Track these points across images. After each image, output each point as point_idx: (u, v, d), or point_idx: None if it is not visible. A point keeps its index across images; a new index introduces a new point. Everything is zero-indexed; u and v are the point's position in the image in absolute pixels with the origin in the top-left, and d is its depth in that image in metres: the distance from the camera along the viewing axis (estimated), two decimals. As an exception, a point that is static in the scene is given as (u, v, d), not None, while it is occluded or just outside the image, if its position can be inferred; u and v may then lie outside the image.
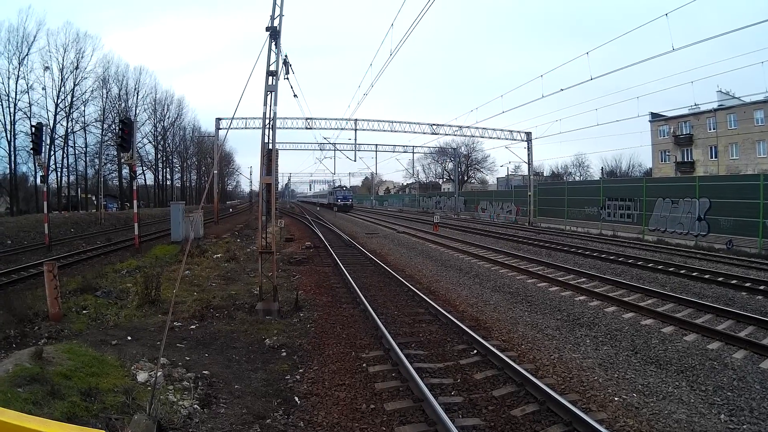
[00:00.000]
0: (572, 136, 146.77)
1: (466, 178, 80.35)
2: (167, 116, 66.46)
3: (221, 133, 40.12)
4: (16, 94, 42.41)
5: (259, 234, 9.98)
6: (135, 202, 21.11)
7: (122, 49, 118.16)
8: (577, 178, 69.82)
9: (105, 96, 52.34)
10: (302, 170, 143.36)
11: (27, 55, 42.63)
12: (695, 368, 5.87)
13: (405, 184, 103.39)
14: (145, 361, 5.71)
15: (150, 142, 62.88)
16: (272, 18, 9.15)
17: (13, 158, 43.14)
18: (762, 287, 10.49)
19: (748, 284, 10.87)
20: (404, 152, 52.16)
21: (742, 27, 11.49)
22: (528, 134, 40.58)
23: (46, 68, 44.01)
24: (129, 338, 6.85)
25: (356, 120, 39.55)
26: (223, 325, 7.93)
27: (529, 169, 41.33)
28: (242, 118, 37.59)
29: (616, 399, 5.13)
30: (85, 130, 50.50)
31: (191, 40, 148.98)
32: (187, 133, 73.24)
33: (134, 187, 22.83)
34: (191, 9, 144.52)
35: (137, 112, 56.70)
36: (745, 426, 4.51)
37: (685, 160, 46.42)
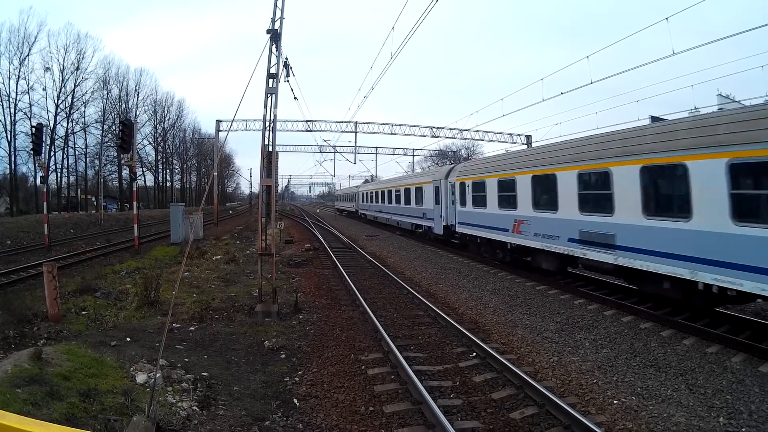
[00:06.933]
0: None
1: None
2: (167, 118, 66.77)
3: (221, 134, 40.18)
4: (16, 95, 42.75)
5: (258, 236, 9.99)
6: (135, 203, 21.11)
7: (122, 50, 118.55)
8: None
9: (105, 97, 52.66)
10: (302, 172, 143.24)
11: (28, 55, 43.00)
12: (694, 371, 5.87)
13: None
14: (144, 362, 5.71)
15: (150, 143, 63.14)
16: (273, 20, 9.18)
17: (13, 158, 43.43)
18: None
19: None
20: (404, 155, 52.08)
21: (742, 31, 11.54)
22: (528, 137, 40.64)
23: (47, 69, 44.32)
24: (128, 339, 6.85)
25: (356, 122, 39.59)
26: (223, 327, 7.93)
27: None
28: (242, 120, 37.69)
29: (615, 402, 5.13)
30: (85, 131, 50.79)
31: (191, 40, 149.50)
32: (187, 134, 73.51)
33: (134, 189, 22.82)
34: (191, 8, 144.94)
35: (137, 113, 57.02)
36: (744, 429, 4.51)
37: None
